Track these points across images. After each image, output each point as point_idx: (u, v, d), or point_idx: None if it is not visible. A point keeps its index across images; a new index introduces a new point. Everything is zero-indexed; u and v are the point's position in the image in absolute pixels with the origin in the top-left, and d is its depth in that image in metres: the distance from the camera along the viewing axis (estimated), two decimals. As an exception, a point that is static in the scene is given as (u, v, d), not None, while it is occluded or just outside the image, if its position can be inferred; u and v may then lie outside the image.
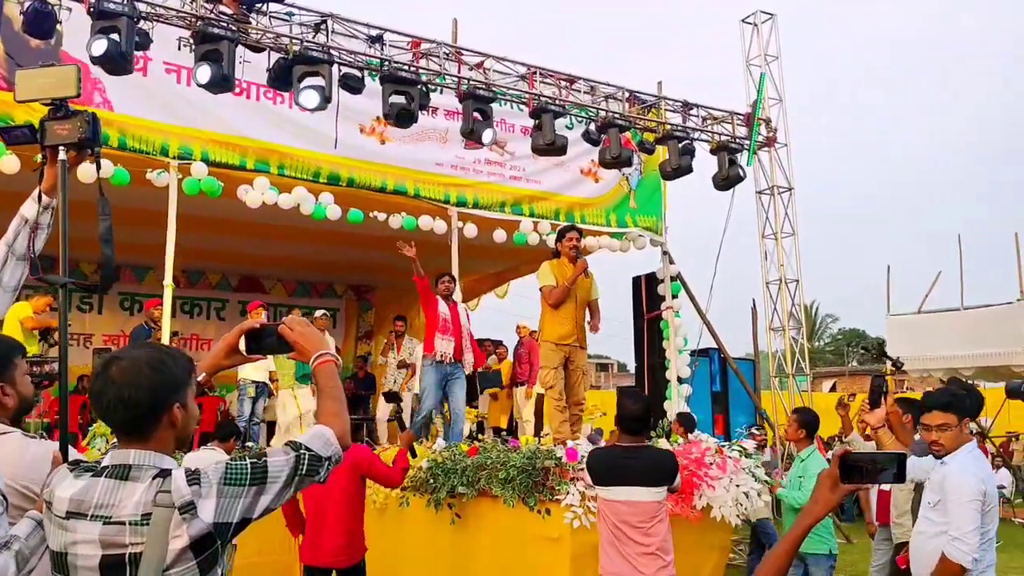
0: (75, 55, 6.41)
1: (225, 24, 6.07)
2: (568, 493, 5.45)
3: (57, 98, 2.74)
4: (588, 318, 7.04)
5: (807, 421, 5.64)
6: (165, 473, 1.78)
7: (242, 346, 2.18)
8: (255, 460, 1.84)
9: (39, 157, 2.83)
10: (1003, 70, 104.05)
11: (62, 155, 2.80)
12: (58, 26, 6.04)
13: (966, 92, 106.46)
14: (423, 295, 7.67)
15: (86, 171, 5.79)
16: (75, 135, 2.73)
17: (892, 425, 4.87)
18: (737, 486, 6.16)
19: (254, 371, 9.06)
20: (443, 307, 7.70)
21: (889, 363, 5.62)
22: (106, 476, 1.79)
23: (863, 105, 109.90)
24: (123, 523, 1.71)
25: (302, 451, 1.89)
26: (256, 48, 6.42)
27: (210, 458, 2.29)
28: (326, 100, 6.39)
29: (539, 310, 7.00)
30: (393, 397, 5.89)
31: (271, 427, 10.02)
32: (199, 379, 2.16)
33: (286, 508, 4.81)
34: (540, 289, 6.87)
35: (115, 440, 1.92)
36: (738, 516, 6.17)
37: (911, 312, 12.97)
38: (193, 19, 6.02)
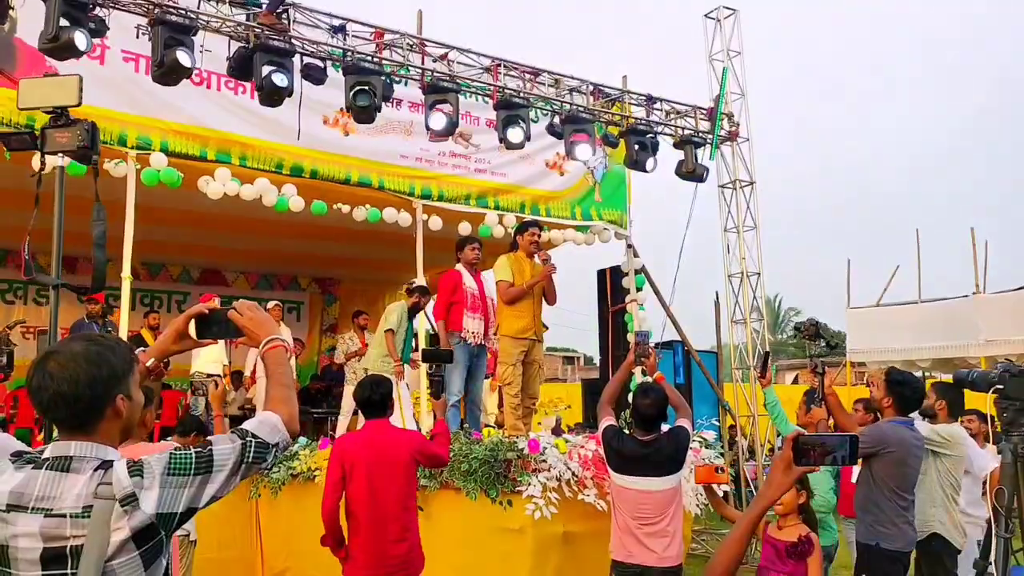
0: (29, 41, 6.28)
1: (184, 11, 5.98)
2: (530, 484, 5.47)
3: (58, 106, 2.77)
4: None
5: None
6: (107, 465, 1.76)
7: (192, 331, 2.17)
8: (200, 449, 1.84)
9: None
10: (966, 69, 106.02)
11: (61, 161, 2.83)
12: (11, 12, 5.92)
13: (927, 91, 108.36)
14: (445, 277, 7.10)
15: (37, 160, 5.71)
16: (74, 143, 2.78)
17: (830, 407, 4.91)
18: (697, 477, 6.23)
19: (208, 364, 8.94)
20: (470, 281, 7.11)
21: (823, 343, 5.44)
22: (47, 468, 1.76)
23: (828, 100, 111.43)
24: (64, 516, 1.70)
25: (248, 439, 1.89)
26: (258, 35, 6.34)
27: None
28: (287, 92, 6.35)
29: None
30: (434, 357, 5.24)
31: (233, 420, 9.93)
32: (147, 365, 2.14)
33: (326, 518, 4.27)
34: (496, 284, 6.77)
35: None
36: (697, 506, 6.25)
37: (870, 305, 13.17)
38: (151, 6, 5.92)
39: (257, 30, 6.35)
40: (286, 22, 6.50)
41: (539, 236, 6.91)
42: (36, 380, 1.82)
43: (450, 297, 7.03)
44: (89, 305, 8.71)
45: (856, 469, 5.79)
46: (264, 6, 6.43)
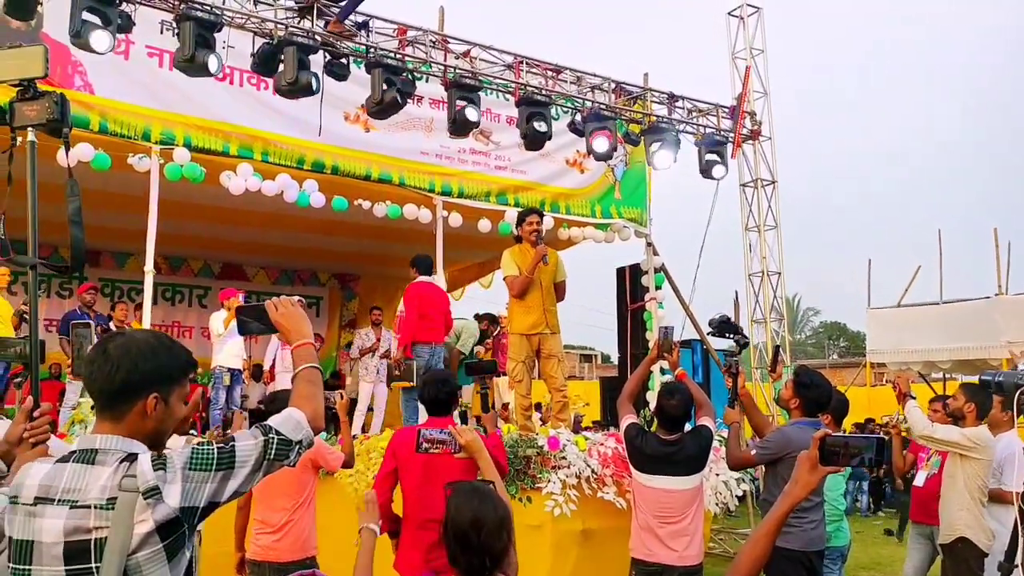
0: (55, 36, 6.34)
1: (209, 7, 6.02)
2: (549, 481, 5.48)
3: (25, 79, 2.73)
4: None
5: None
6: (132, 457, 1.78)
7: (232, 323, 2.20)
8: (222, 445, 1.85)
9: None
10: (988, 67, 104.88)
11: (31, 136, 2.79)
12: (39, 7, 5.98)
13: (950, 88, 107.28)
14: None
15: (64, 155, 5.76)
16: (43, 116, 2.72)
17: (745, 407, 4.84)
18: (717, 475, 6.22)
19: (229, 358, 9.01)
20: None
21: (732, 338, 5.13)
22: (73, 461, 1.79)
23: (849, 100, 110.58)
24: (89, 507, 1.71)
25: (271, 435, 1.90)
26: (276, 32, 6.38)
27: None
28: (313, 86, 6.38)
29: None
30: (478, 369, 5.08)
31: (252, 414, 9.99)
32: None
33: (381, 502, 4.09)
34: (504, 279, 6.67)
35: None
36: (717, 505, 6.23)
37: (891, 306, 13.08)
38: (176, 2, 5.96)
39: (281, 26, 6.39)
40: (354, 29, 6.69)
41: (538, 223, 6.70)
42: (91, 355, 1.87)
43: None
44: (85, 295, 8.79)
45: (921, 474, 5.72)
46: (336, 15, 6.56)
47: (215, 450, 1.82)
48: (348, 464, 4.76)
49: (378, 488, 4.17)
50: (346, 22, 6.69)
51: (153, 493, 1.71)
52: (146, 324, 7.21)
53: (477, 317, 8.93)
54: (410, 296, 7.59)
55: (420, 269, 7.73)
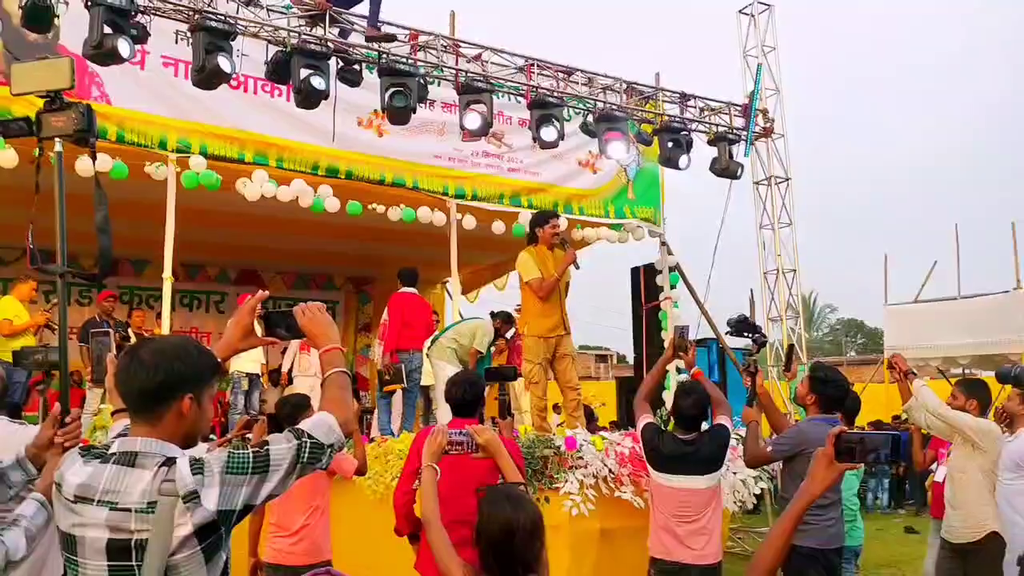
0: (72, 49, 6.42)
1: (223, 17, 6.08)
2: (567, 482, 5.49)
3: (52, 90, 2.77)
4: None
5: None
6: (170, 462, 1.83)
7: (258, 330, 2.23)
8: (257, 449, 1.89)
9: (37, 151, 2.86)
10: (1005, 61, 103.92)
11: (58, 147, 2.83)
12: (55, 20, 6.05)
13: (965, 82, 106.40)
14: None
15: (85, 164, 5.82)
16: (70, 126, 2.76)
17: (764, 407, 4.83)
18: (735, 474, 6.22)
19: (247, 363, 9.06)
20: None
21: (751, 337, 5.05)
22: (113, 462, 1.84)
23: (862, 95, 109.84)
24: (129, 510, 1.77)
25: (304, 439, 1.94)
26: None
27: None
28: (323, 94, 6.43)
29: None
30: (498, 375, 5.06)
31: (271, 420, 10.04)
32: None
33: (396, 507, 4.17)
34: (528, 283, 6.54)
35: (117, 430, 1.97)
36: (735, 503, 6.23)
37: (908, 302, 13.01)
38: (191, 12, 6.02)
39: (294, 33, 6.44)
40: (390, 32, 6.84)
41: (559, 227, 6.73)
42: (124, 362, 1.93)
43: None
44: (104, 303, 8.87)
45: (942, 470, 5.68)
46: (366, 21, 6.75)
47: (250, 454, 1.87)
48: (361, 471, 4.84)
49: (402, 487, 4.19)
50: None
51: (192, 497, 1.77)
52: (165, 330, 7.30)
53: (492, 315, 8.98)
54: (394, 306, 8.11)
55: (405, 281, 8.23)
